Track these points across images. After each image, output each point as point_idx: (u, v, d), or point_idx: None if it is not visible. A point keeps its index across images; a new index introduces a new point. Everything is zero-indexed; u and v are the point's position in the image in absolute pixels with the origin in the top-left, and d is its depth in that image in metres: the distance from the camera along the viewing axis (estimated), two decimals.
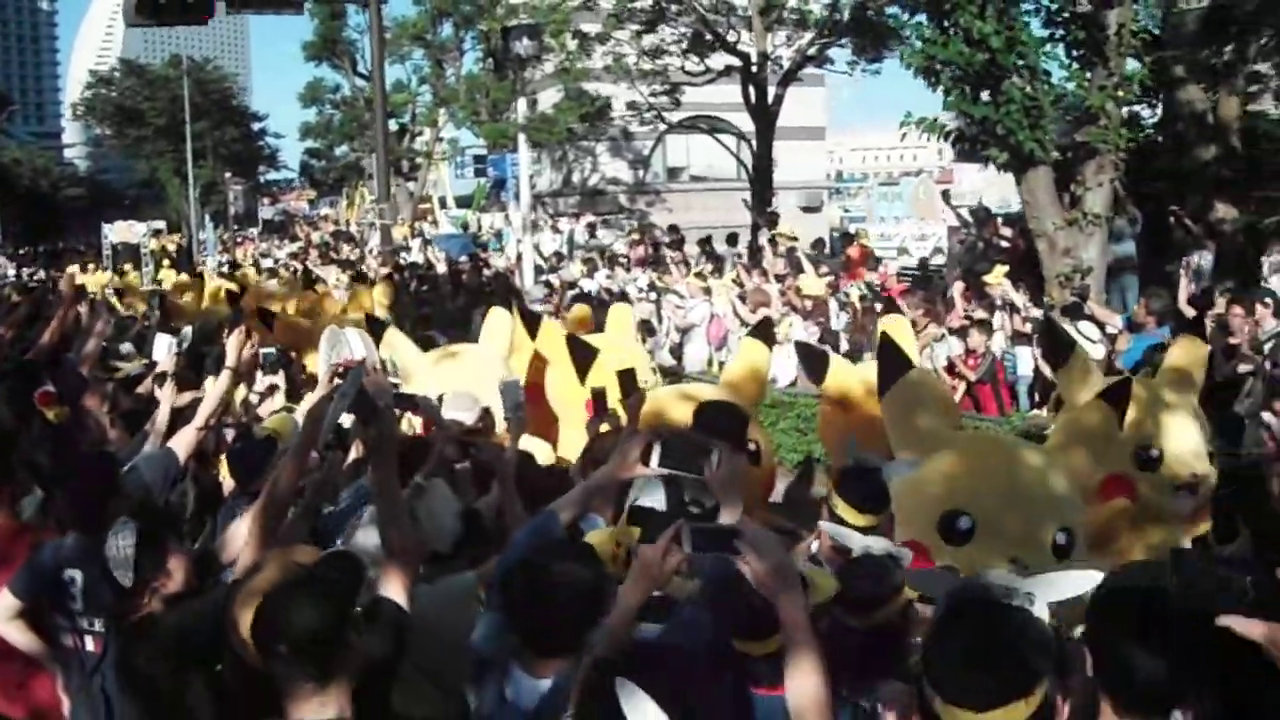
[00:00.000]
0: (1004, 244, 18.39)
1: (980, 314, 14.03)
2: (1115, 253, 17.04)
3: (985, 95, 13.94)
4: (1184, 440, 6.98)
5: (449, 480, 5.66)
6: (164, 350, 8.87)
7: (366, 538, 4.70)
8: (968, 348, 13.40)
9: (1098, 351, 11.98)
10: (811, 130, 42.23)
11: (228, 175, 62.43)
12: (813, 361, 8.30)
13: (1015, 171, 14.48)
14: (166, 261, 35.70)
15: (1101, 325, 12.62)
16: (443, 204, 49.53)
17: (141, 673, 4.46)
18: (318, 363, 9.23)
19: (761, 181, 30.12)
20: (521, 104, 27.91)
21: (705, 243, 25.13)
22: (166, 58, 69.29)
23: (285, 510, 4.83)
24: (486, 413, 7.08)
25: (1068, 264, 14.02)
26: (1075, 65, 14.45)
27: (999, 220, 19.68)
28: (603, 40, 31.98)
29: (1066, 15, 14.42)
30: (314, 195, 77.62)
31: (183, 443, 6.37)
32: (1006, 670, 2.66)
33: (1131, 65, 14.61)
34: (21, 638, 5.42)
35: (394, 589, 4.05)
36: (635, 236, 26.69)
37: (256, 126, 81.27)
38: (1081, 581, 3.36)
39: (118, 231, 39.27)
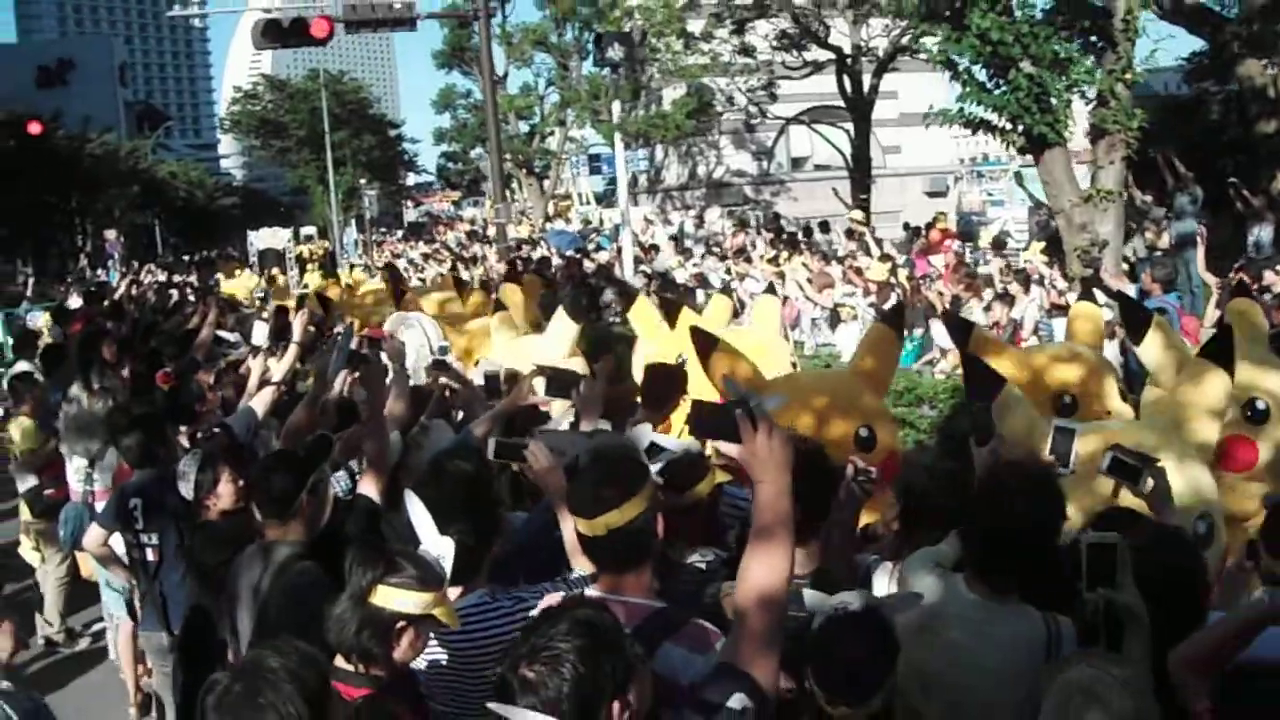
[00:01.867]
0: None
1: (1015, 287, 15.09)
2: (1178, 230, 17.92)
3: (997, 85, 14.93)
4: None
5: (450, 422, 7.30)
6: (261, 335, 10.53)
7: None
8: (995, 320, 14.38)
9: (1106, 315, 13.16)
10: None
11: (362, 181, 64.54)
12: (957, 330, 8.33)
13: (1032, 154, 15.42)
14: (312, 265, 37.30)
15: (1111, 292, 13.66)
16: (583, 200, 50.94)
17: (199, 561, 6.06)
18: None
19: (860, 169, 31.15)
20: (616, 106, 29.25)
21: (808, 231, 26.35)
22: (316, 67, 71.80)
23: (301, 437, 6.44)
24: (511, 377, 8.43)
25: (1085, 238, 14.89)
26: (1082, 52, 15.22)
27: None
28: (706, 39, 32.96)
29: (1072, 4, 15.33)
30: (458, 197, 79.24)
31: (261, 401, 8.01)
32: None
33: (1142, 48, 15.43)
34: (108, 553, 7.46)
35: (369, 487, 5.60)
36: (733, 226, 27.82)
37: (393, 133, 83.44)
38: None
39: (263, 238, 40.86)
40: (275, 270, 34.32)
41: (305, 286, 27.13)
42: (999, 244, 20.33)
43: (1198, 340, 12.01)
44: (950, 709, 3.99)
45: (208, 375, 10.14)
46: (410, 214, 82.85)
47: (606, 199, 48.34)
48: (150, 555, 7.00)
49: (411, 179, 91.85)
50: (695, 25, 33.32)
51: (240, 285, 27.56)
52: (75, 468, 9.63)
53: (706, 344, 7.49)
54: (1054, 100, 14.72)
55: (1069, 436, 4.72)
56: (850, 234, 21.81)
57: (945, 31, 14.96)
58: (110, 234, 53.29)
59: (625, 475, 3.83)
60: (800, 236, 25.74)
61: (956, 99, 15.60)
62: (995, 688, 3.92)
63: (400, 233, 67.22)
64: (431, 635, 4.01)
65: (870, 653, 3.39)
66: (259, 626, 4.98)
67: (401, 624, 3.76)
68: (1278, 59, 18.30)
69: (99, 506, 8.36)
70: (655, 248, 27.22)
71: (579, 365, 9.42)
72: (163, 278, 31.69)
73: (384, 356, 7.67)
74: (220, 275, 31.16)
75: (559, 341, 10.15)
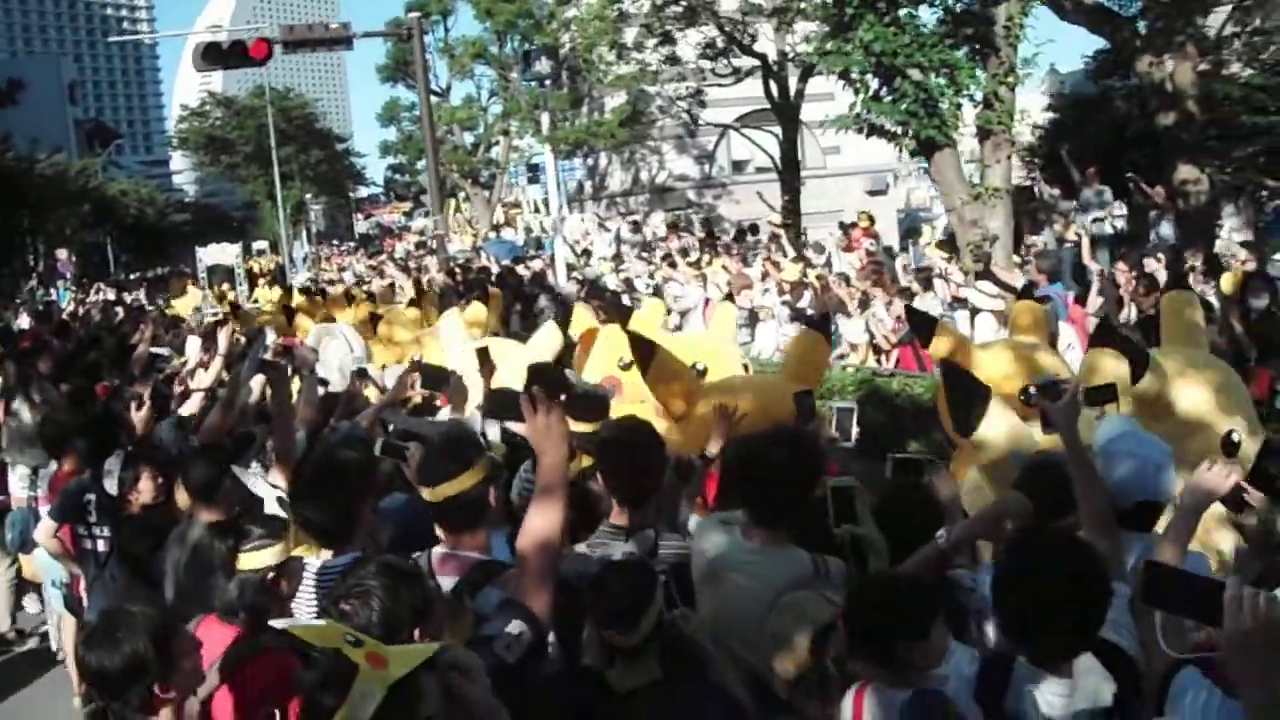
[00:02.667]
0: None
1: (916, 285, 15.95)
2: (1084, 223, 18.85)
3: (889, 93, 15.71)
4: None
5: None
6: (194, 350, 11.31)
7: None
8: (896, 314, 15.20)
9: (997, 305, 14.05)
10: None
11: (308, 196, 65.08)
12: (922, 326, 8.38)
13: (925, 156, 16.25)
14: (263, 280, 37.68)
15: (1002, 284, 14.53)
16: (533, 208, 51.47)
17: (127, 548, 6.84)
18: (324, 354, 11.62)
19: (790, 172, 32.02)
20: (545, 118, 30.00)
21: (740, 234, 27.16)
22: (268, 84, 72.38)
23: (218, 435, 7.26)
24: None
25: (976, 233, 15.60)
26: (969, 58, 15.89)
27: None
28: (639, 49, 33.62)
29: (957, 14, 16.07)
30: (408, 208, 79.76)
31: (189, 408, 8.83)
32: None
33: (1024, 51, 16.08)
34: (58, 548, 8.03)
35: (277, 477, 6.41)
36: (664, 231, 28.58)
37: (340, 147, 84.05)
38: None
39: (212, 254, 40.48)
40: (225, 286, 34.70)
41: (255, 301, 27.58)
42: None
43: (1085, 327, 12.93)
44: (743, 644, 4.64)
45: (143, 387, 10.88)
46: (361, 226, 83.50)
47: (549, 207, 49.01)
48: (102, 546, 7.72)
49: (364, 191, 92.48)
50: (630, 35, 34.03)
51: (186, 303, 28.07)
52: (18, 476, 10.40)
53: (646, 351, 7.81)
54: (944, 104, 15.51)
55: (849, 414, 5.52)
56: (772, 236, 22.67)
57: (836, 44, 15.79)
58: (62, 253, 53.61)
59: (463, 453, 4.66)
60: (731, 239, 26.58)
61: (849, 106, 16.31)
62: (779, 627, 4.46)
63: (352, 244, 67.74)
64: (314, 587, 4.89)
65: (631, 591, 4.06)
66: (176, 592, 5.83)
67: (271, 575, 4.63)
68: (1172, 54, 18.96)
69: (43, 511, 9.09)
70: (588, 253, 27.97)
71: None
72: (112, 296, 32.26)
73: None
74: (171, 292, 31.69)
75: (545, 350, 10.51)
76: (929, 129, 15.30)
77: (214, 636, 4.42)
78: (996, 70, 15.62)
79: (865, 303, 16.09)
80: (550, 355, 10.45)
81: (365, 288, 25.14)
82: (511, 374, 8.45)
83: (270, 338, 11.45)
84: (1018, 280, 14.91)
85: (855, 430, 5.54)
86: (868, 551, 4.64)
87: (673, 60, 32.59)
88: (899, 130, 15.79)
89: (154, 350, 13.25)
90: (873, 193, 41.01)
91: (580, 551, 4.95)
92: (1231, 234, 19.51)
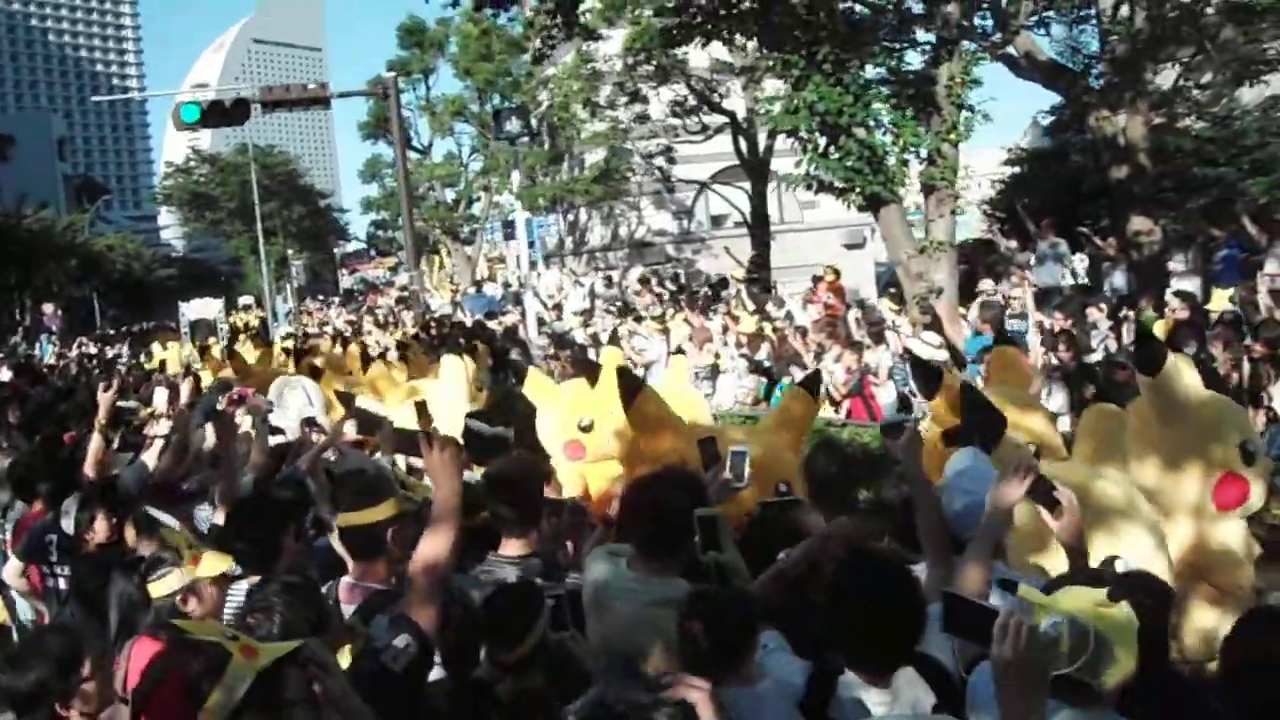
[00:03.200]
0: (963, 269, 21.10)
1: (867, 339, 16.42)
2: (1039, 275, 19.36)
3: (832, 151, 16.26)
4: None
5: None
6: (161, 400, 11.79)
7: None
8: (847, 366, 15.62)
9: (940, 355, 14.55)
10: None
11: (290, 252, 65.76)
12: (927, 377, 8.45)
13: (871, 211, 16.78)
14: (243, 336, 38.06)
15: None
16: (518, 263, 51.99)
17: (82, 585, 7.30)
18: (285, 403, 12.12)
19: (759, 226, 32.66)
20: (516, 175, 30.68)
21: (713, 288, 27.71)
22: (256, 142, 73.14)
23: (169, 477, 7.75)
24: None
25: (922, 286, 16.15)
26: (910, 117, 16.44)
27: None
28: (612, 106, 34.39)
29: (900, 75, 16.68)
30: (394, 263, 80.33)
31: (151, 455, 9.31)
32: None
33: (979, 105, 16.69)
34: (25, 586, 8.48)
35: (219, 518, 6.89)
36: (638, 285, 29.10)
37: (323, 203, 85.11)
38: None
39: (195, 309, 41.17)
40: (211, 340, 35.06)
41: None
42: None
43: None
44: (626, 663, 4.94)
45: (110, 434, 11.37)
46: (346, 281, 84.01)
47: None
48: (63, 584, 8.18)
49: (351, 246, 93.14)
50: (604, 93, 34.70)
51: (174, 357, 28.49)
52: None
53: (632, 386, 8.03)
54: (890, 161, 16.05)
55: (743, 458, 5.97)
56: (737, 293, 23.21)
57: (784, 102, 16.35)
58: (48, 308, 54.04)
59: (370, 489, 5.18)
60: (706, 293, 27.11)
61: (795, 164, 16.81)
62: (649, 644, 4.92)
63: (336, 299, 68.21)
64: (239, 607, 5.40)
65: (516, 613, 4.56)
66: (120, 620, 6.33)
67: (182, 596, 5.17)
68: (1124, 109, 19.39)
69: (9, 551, 9.55)
70: (560, 308, 28.50)
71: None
72: (93, 350, 32.75)
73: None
74: (156, 346, 32.05)
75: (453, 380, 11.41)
76: (874, 185, 15.80)
77: (146, 652, 4.93)
78: (939, 128, 16.13)
79: (820, 355, 16.56)
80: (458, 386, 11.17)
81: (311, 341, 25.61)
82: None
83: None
84: (963, 333, 15.58)
85: (748, 472, 5.96)
86: (730, 575, 5.11)
87: (643, 118, 33.20)
88: (845, 186, 16.26)
89: (121, 404, 13.70)
90: (850, 246, 41.41)
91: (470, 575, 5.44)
92: (1176, 282, 19.97)
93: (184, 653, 4.54)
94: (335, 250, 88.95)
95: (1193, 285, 19.17)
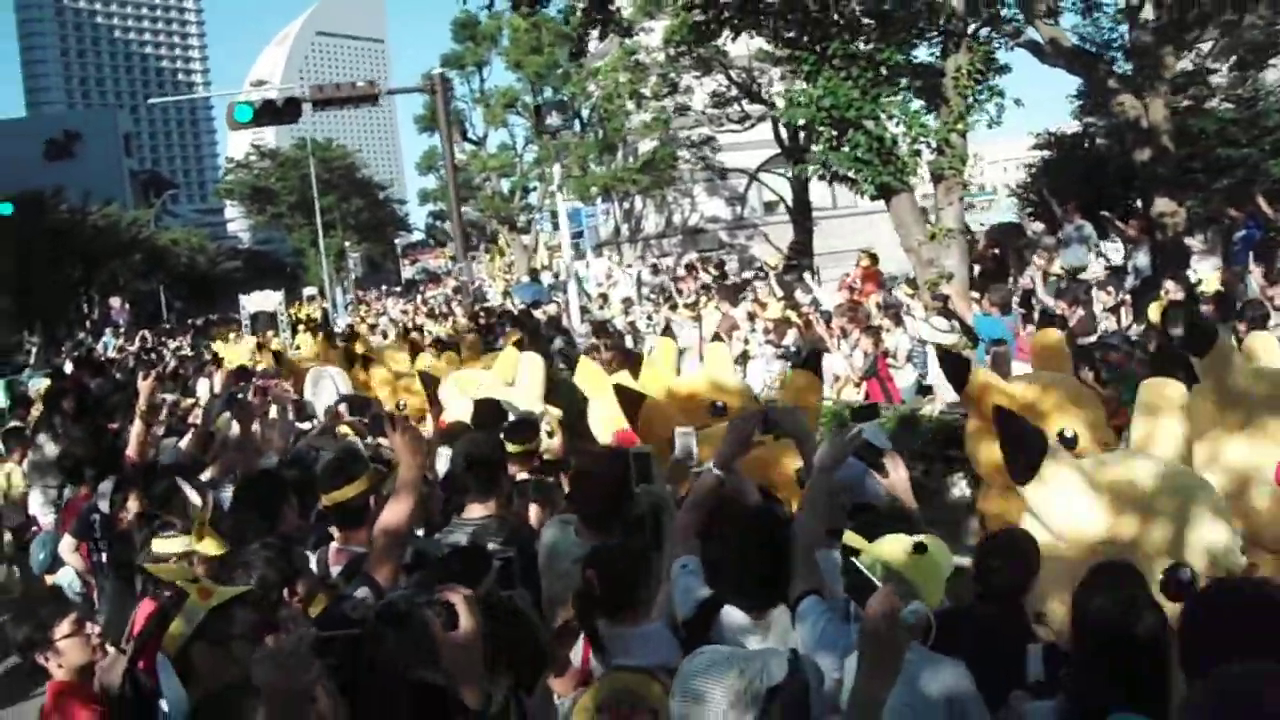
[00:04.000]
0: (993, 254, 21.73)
1: (886, 322, 16.93)
2: (1066, 258, 19.81)
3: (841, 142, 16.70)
4: None
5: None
6: (205, 390, 12.65)
7: None
8: (864, 350, 16.12)
9: (949, 339, 15.11)
10: None
11: (347, 244, 66.85)
12: (955, 368, 8.31)
13: (884, 200, 17.31)
14: (303, 326, 38.63)
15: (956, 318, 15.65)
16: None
17: (118, 559, 8.11)
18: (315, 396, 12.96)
19: (801, 213, 33.25)
20: (557, 169, 31.36)
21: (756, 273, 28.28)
22: (322, 136, 74.43)
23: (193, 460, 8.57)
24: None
25: (933, 272, 16.62)
26: (924, 109, 17.00)
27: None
28: (657, 97, 35.09)
29: (910, 68, 17.14)
30: (453, 254, 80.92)
31: (187, 440, 10.17)
32: None
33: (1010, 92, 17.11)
34: (79, 562, 9.34)
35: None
36: (681, 272, 29.66)
37: (382, 195, 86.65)
38: None
39: (255, 301, 42.11)
40: (270, 333, 35.61)
41: (298, 348, 28.46)
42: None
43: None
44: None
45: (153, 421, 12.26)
46: (408, 271, 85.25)
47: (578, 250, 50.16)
48: (105, 558, 9.04)
49: (414, 237, 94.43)
50: (649, 84, 35.29)
51: (239, 351, 29.18)
52: (44, 501, 11.77)
53: (633, 403, 8.41)
54: (902, 151, 16.53)
55: (688, 438, 6.59)
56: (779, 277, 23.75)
57: (793, 95, 16.86)
58: (115, 302, 55.23)
59: (351, 469, 5.97)
60: (736, 281, 27.61)
61: (809, 154, 17.28)
62: None
63: (398, 289, 69.02)
64: None
65: (464, 572, 5.16)
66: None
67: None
68: (1147, 93, 19.59)
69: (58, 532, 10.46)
70: (605, 297, 29.13)
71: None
72: (154, 343, 33.75)
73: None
74: (218, 344, 32.78)
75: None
76: (883, 176, 16.32)
77: (145, 610, 5.73)
78: (947, 119, 16.58)
79: (843, 339, 17.12)
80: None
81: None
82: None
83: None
84: (971, 313, 16.06)
85: (695, 451, 6.56)
86: (662, 510, 5.84)
87: (683, 109, 33.79)
88: (855, 177, 16.84)
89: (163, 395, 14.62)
90: None
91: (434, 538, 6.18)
92: (1195, 261, 20.22)
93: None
94: (395, 241, 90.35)
95: (1212, 265, 19.57)
